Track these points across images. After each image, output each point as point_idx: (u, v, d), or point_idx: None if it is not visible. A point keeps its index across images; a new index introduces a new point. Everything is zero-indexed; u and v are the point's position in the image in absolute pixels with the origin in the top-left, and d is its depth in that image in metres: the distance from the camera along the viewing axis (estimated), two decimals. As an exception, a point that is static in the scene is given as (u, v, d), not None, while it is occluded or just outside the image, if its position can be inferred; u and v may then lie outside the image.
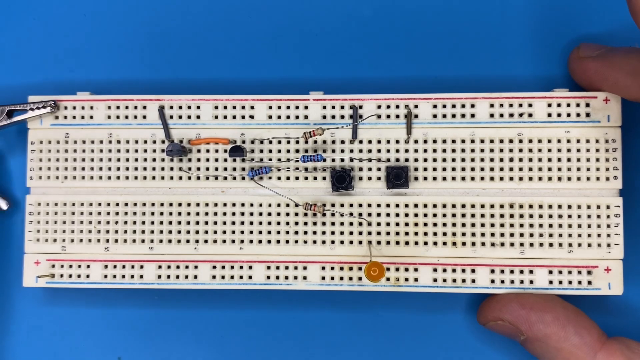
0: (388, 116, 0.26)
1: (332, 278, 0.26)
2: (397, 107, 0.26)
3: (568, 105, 0.25)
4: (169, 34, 0.28)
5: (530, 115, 0.25)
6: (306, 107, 0.26)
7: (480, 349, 0.27)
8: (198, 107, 0.26)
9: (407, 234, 0.26)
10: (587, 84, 0.26)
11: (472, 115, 0.26)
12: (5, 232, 0.28)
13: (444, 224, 0.25)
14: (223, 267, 0.26)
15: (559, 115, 0.25)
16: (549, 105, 0.25)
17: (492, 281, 0.25)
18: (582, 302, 0.25)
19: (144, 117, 0.27)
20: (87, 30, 0.29)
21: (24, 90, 0.28)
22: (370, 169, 0.26)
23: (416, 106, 0.26)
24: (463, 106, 0.26)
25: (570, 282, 0.25)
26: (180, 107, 0.27)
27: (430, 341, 0.27)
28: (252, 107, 0.26)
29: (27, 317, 0.28)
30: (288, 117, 0.26)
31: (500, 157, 0.26)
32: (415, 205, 0.26)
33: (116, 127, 0.27)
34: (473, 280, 0.25)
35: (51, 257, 0.27)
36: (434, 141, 0.26)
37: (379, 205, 0.26)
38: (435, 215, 0.26)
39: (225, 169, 0.26)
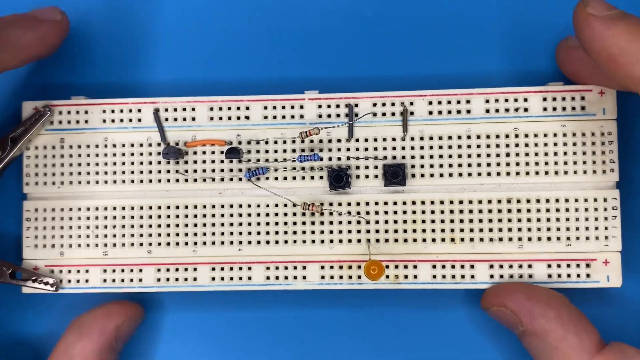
0: (384, 114, 0.26)
1: (332, 277, 0.26)
2: (393, 104, 0.26)
3: (563, 99, 0.25)
4: (162, 36, 0.28)
5: (525, 109, 0.25)
6: (302, 107, 0.26)
7: (481, 345, 0.27)
8: (193, 109, 0.26)
9: (405, 231, 0.26)
10: (576, 77, 0.25)
11: (468, 111, 0.26)
12: (2, 239, 0.28)
13: (442, 221, 0.26)
14: (222, 269, 0.26)
15: (554, 109, 0.25)
16: (544, 99, 0.25)
17: (492, 276, 0.25)
18: (580, 295, 0.25)
19: (139, 120, 0.27)
20: (80, 33, 0.29)
21: (17, 95, 0.28)
22: (367, 167, 0.26)
23: (412, 103, 0.26)
24: (458, 102, 0.26)
25: (569, 276, 0.25)
26: (175, 110, 0.26)
27: (431, 338, 0.27)
28: (247, 108, 0.26)
29: (27, 325, 0.28)
30: (284, 117, 0.26)
31: (496, 152, 0.26)
32: (413, 203, 0.26)
33: (111, 131, 0.27)
34: (472, 276, 0.25)
35: (50, 262, 0.27)
36: (430, 138, 0.26)
37: (376, 204, 0.26)
38: (433, 212, 0.26)
39: (222, 170, 0.26)
